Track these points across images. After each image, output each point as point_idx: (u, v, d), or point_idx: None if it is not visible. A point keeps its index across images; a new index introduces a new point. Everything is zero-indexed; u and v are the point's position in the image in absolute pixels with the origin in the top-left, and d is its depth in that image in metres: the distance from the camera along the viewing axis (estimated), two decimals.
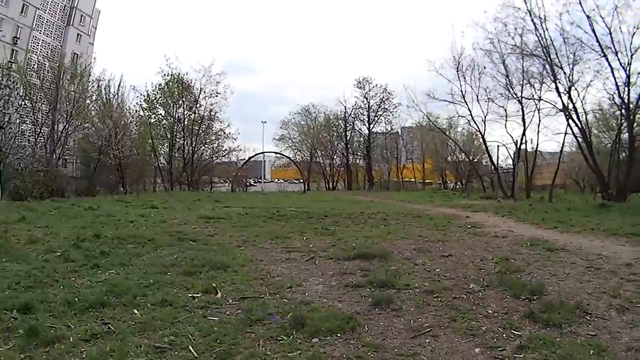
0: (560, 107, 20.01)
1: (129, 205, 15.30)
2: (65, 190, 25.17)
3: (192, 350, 2.99)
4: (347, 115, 44.10)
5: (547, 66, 19.95)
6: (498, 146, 28.68)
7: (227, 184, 44.05)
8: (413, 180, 50.57)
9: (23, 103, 26.42)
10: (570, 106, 19.53)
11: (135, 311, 3.77)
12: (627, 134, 18.70)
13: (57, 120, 28.16)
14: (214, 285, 4.55)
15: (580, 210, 13.87)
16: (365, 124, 44.28)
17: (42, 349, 3.08)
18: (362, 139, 45.00)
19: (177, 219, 10.57)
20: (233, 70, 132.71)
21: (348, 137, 44.73)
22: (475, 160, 34.54)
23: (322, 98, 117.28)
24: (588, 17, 17.73)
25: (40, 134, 26.19)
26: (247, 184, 46.14)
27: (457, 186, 37.51)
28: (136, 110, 34.27)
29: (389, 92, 43.33)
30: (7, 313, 3.75)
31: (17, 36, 42.44)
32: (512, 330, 3.39)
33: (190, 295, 4.25)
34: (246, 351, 3.02)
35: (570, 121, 19.80)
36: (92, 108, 30.34)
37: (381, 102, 43.35)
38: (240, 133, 51.07)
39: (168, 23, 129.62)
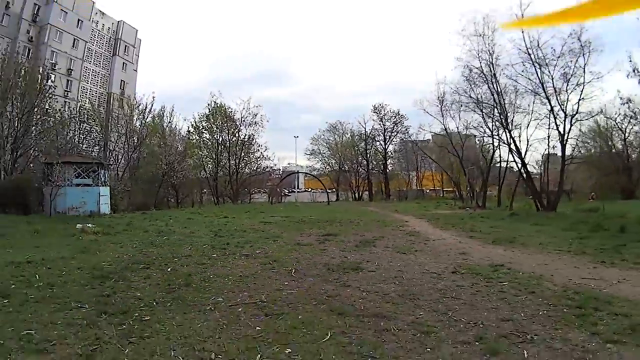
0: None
1: (202, 214, 23.84)
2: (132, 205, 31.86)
3: (273, 255, 11.26)
4: (366, 136, 54.09)
5: (497, 110, 28.18)
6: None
7: (263, 194, 53.53)
8: (432, 189, 58.62)
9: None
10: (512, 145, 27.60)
11: (262, 249, 11.70)
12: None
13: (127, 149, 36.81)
14: (275, 240, 13.03)
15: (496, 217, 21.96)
16: (382, 144, 54.13)
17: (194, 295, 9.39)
18: (379, 155, 54.56)
19: (247, 223, 18.90)
20: (265, 80, 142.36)
21: (368, 156, 54.46)
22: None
23: (353, 106, 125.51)
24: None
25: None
26: (282, 194, 55.20)
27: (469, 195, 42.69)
28: (186, 134, 43.89)
29: (401, 116, 54.26)
30: (152, 293, 6.67)
31: (71, 67, 52.04)
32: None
33: (270, 243, 12.50)
34: (285, 256, 11.10)
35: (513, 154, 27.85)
36: (153, 142, 38.88)
37: (394, 125, 53.29)
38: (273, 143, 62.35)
39: (199, 37, 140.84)
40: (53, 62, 48.14)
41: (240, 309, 5.90)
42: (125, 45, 60.81)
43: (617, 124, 38.89)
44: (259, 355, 4.27)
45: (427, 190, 59.98)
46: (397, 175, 60.66)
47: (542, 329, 5.00)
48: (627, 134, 39.55)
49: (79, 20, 53.36)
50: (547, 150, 27.56)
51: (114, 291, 6.70)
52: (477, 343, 4.61)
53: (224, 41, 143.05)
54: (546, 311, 5.69)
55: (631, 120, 36.80)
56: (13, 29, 47.07)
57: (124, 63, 60.36)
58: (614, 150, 40.86)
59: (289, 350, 4.43)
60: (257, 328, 5.14)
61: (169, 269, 8.48)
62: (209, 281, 7.59)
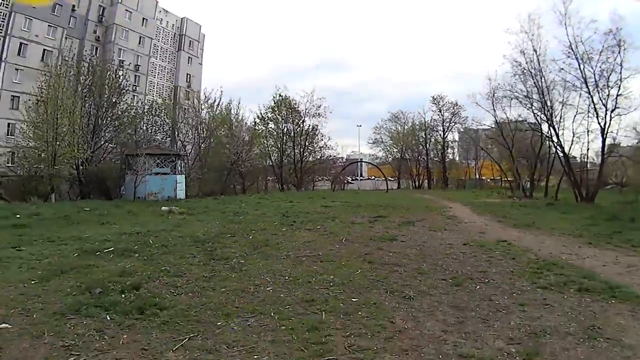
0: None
1: (269, 200, 27.46)
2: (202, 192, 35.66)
3: (330, 229, 14.55)
4: (426, 126, 56.45)
5: (542, 104, 30.06)
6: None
7: (326, 181, 57.01)
8: (492, 178, 59.95)
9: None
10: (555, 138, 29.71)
11: (321, 226, 14.64)
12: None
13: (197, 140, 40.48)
14: (333, 220, 15.81)
15: (533, 206, 24.18)
16: (440, 134, 56.35)
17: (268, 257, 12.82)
18: (438, 145, 56.83)
19: (310, 207, 21.88)
20: (328, 68, 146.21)
21: (427, 145, 56.85)
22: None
23: (416, 93, 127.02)
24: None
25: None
26: (345, 181, 58.44)
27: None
28: (252, 124, 47.35)
29: (459, 106, 55.86)
30: (243, 250, 9.78)
31: (138, 63, 56.71)
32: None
33: (328, 221, 15.22)
34: (340, 230, 13.81)
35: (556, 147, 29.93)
36: (222, 133, 42.29)
37: (452, 116, 55.34)
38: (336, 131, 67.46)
39: (261, 29, 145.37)
40: (121, 59, 53.12)
41: (304, 259, 9.07)
42: (190, 41, 65.54)
43: None
44: (314, 278, 7.36)
45: (488, 180, 61.13)
46: (457, 164, 62.53)
47: (501, 278, 7.72)
48: None
49: (143, 18, 58.34)
50: (586, 143, 29.12)
51: (214, 248, 9.98)
52: (450, 280, 7.48)
53: (287, 31, 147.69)
54: (513, 270, 8.34)
55: None
56: (81, 29, 52.05)
57: (189, 57, 65.10)
58: None
59: (332, 276, 7.51)
60: (315, 267, 8.26)
61: (250, 237, 11.75)
62: (281, 244, 10.80)
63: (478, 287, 7.13)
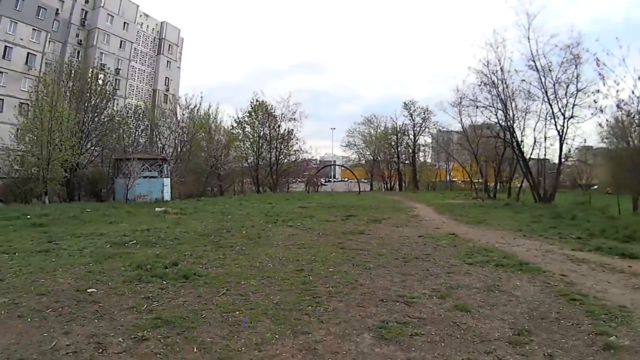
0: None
1: (249, 202, 29.84)
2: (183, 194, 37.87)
3: (308, 226, 17.27)
4: (397, 130, 59.60)
5: (504, 113, 33.33)
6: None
7: (300, 183, 59.67)
8: (463, 180, 63.26)
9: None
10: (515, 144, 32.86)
11: (300, 223, 17.43)
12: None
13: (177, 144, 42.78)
14: (310, 218, 18.43)
15: (491, 207, 27.40)
16: (411, 138, 59.55)
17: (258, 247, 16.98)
18: (409, 149, 60.04)
19: (288, 207, 24.57)
20: (304, 69, 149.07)
21: (399, 149, 60.02)
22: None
23: (392, 95, 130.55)
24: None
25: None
26: (319, 183, 61.18)
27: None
28: (229, 127, 49.90)
29: (430, 112, 59.24)
30: (241, 241, 13.88)
31: (119, 67, 58.64)
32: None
33: (307, 220, 17.83)
34: (317, 226, 16.88)
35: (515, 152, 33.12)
36: (200, 136, 44.68)
37: (423, 121, 58.62)
38: (311, 132, 69.96)
39: (237, 29, 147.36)
40: (102, 62, 55.01)
41: (290, 246, 11.73)
42: (169, 45, 67.70)
43: (634, 120, 42.59)
44: (300, 258, 10.02)
45: (460, 182, 64.32)
46: (428, 167, 65.82)
47: (440, 258, 10.41)
48: None
49: (125, 22, 60.44)
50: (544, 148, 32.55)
51: (218, 240, 12.57)
52: (401, 259, 10.17)
53: (263, 33, 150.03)
54: (452, 253, 11.07)
55: None
56: (64, 33, 54.12)
57: (168, 61, 67.28)
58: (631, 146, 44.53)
59: (314, 257, 10.17)
60: (300, 251, 10.93)
61: (244, 232, 14.37)
62: (270, 236, 13.44)
63: (421, 263, 9.81)
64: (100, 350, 4.75)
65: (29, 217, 17.89)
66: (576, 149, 33.44)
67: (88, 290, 7.09)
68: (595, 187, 41.96)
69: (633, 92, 22.22)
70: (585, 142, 32.20)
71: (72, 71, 36.32)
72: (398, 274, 8.72)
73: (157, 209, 22.21)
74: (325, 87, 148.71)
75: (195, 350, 4.81)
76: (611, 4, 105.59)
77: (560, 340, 5.20)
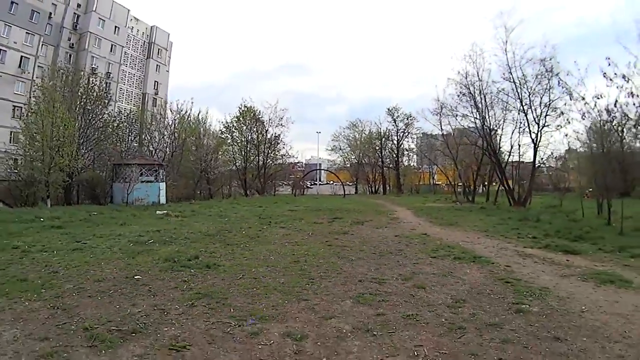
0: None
1: (240, 205, 32.10)
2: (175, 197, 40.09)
3: (299, 227, 19.75)
4: (381, 135, 62.18)
5: (481, 122, 36.01)
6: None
7: (286, 186, 61.97)
8: (446, 183, 65.66)
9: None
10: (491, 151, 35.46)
11: (292, 225, 20.17)
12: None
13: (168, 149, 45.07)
14: (300, 220, 20.81)
15: (467, 210, 30.07)
16: (394, 143, 62.18)
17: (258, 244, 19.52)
18: (393, 153, 62.66)
19: (278, 211, 26.86)
20: (290, 71, 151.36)
21: (382, 153, 62.62)
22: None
23: (376, 98, 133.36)
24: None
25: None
26: (305, 186, 63.52)
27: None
28: (217, 131, 52.13)
29: (412, 118, 61.75)
30: (243, 239, 17.86)
31: (109, 71, 60.40)
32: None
33: (296, 222, 20.20)
34: (306, 228, 19.44)
35: (492, 158, 35.79)
36: (191, 141, 46.84)
37: (406, 126, 61.23)
38: (296, 135, 73.34)
39: (223, 32, 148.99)
40: (93, 66, 56.92)
41: (286, 244, 14.07)
42: (159, 49, 69.61)
43: (613, 126, 45.12)
44: (295, 253, 12.35)
45: (443, 185, 66.56)
46: (412, 170, 68.44)
47: (410, 253, 12.77)
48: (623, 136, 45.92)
49: (115, 27, 62.17)
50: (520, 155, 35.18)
51: (223, 239, 14.86)
52: (378, 254, 12.54)
53: (248, 35, 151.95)
54: (420, 249, 13.43)
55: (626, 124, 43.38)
56: (56, 37, 55.69)
57: (157, 65, 69.17)
58: (610, 150, 47.15)
59: (306, 252, 12.48)
60: (294, 248, 13.26)
61: (243, 232, 16.71)
62: (268, 236, 15.79)
63: (394, 256, 12.14)
64: (165, 313, 6.93)
65: (42, 219, 19.70)
66: (564, 152, 36.08)
67: (135, 277, 9.23)
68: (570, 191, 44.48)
69: (593, 108, 23.90)
70: (569, 146, 34.24)
71: (67, 77, 38.21)
72: (374, 264, 11.07)
73: (157, 212, 24.29)
74: (311, 89, 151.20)
75: (231, 310, 7.07)
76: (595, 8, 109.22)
77: (485, 307, 7.47)
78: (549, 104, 32.02)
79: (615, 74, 19.82)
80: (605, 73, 19.80)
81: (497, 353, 5.48)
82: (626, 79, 19.39)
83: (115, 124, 40.85)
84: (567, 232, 17.01)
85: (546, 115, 32.24)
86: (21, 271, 9.62)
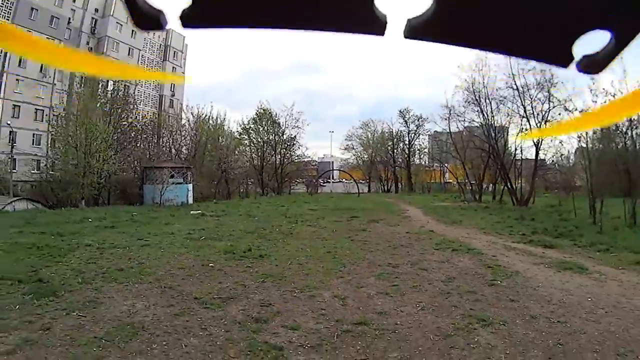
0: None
1: (263, 203, 35.71)
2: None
3: (323, 225, 23.21)
4: (393, 136, 65.53)
5: (487, 126, 39.45)
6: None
7: (299, 184, 65.13)
8: (456, 181, 68.27)
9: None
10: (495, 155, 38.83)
11: (317, 224, 23.40)
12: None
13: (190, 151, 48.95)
14: (322, 219, 23.99)
15: (472, 209, 33.48)
16: (406, 143, 65.52)
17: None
18: (404, 153, 66.01)
19: (299, 210, 30.18)
20: (301, 69, 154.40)
21: (394, 153, 65.98)
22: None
23: (389, 97, 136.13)
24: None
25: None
26: (318, 185, 66.87)
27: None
28: (235, 132, 55.78)
29: (423, 119, 64.67)
30: (279, 236, 22.71)
31: None
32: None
33: (320, 221, 23.48)
34: (330, 225, 23.00)
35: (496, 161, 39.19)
36: (211, 143, 50.33)
37: (417, 128, 64.55)
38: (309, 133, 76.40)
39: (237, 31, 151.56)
40: None
41: (316, 239, 17.43)
42: (174, 51, 73.10)
43: (617, 127, 47.92)
44: (325, 246, 15.82)
45: (455, 183, 69.01)
46: (424, 168, 71.67)
47: (418, 246, 16.13)
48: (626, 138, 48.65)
49: (132, 30, 64.50)
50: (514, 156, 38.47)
51: (262, 235, 18.26)
52: (392, 247, 15.94)
53: (259, 33, 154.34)
54: (427, 243, 16.79)
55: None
56: (75, 41, 58.85)
57: (173, 67, 72.56)
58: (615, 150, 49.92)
59: (334, 245, 15.92)
60: (323, 242, 16.69)
61: (277, 230, 20.03)
62: (299, 233, 19.12)
63: (405, 249, 15.48)
64: (246, 287, 10.27)
65: (90, 220, 22.49)
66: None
67: (209, 265, 12.54)
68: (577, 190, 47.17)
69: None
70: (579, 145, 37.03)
71: (104, 87, 41.85)
72: (389, 254, 14.44)
73: (192, 212, 27.61)
74: (322, 88, 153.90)
75: (292, 284, 10.51)
76: None
77: (469, 282, 10.84)
78: (548, 111, 35.37)
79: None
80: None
81: (469, 305, 8.90)
82: None
83: (140, 128, 44.07)
84: (554, 230, 20.07)
85: (547, 121, 35.29)
86: (112, 263, 11.78)
